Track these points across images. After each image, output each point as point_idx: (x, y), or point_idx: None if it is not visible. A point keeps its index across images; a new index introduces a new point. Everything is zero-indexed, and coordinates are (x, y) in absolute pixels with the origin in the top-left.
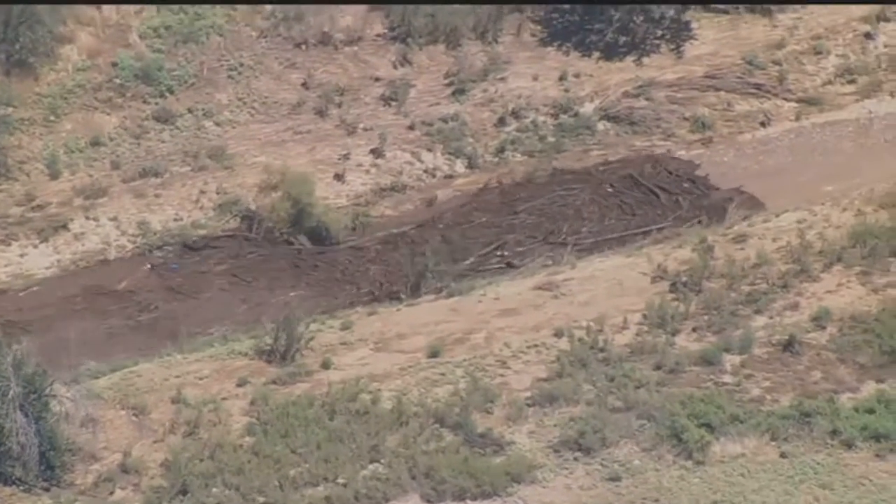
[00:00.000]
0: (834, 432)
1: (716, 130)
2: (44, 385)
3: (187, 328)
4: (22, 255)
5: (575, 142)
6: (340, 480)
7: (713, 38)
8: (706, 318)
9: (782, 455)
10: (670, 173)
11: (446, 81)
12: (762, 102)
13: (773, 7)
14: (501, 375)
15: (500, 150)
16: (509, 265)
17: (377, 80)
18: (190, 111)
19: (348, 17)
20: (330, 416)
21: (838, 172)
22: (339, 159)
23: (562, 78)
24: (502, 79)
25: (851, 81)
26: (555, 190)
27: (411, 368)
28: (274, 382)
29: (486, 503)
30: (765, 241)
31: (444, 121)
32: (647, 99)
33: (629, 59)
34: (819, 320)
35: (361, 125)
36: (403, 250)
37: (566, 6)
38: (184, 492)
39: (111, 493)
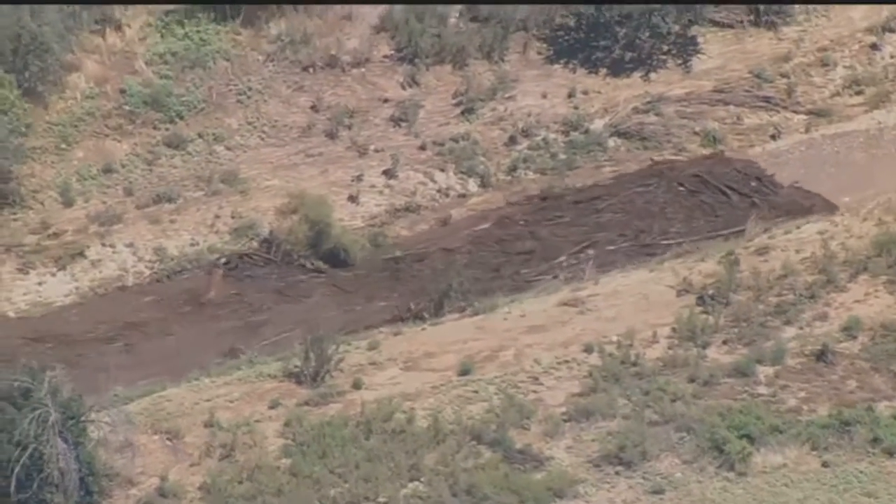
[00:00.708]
0: (875, 440)
1: (727, 144)
2: (81, 410)
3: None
4: (40, 284)
5: (586, 158)
6: (382, 499)
7: (719, 52)
8: (736, 330)
9: (824, 464)
10: (738, 172)
11: (455, 101)
12: (771, 115)
13: (778, 20)
14: (534, 392)
15: (513, 169)
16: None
17: (386, 101)
18: (200, 136)
19: (354, 39)
20: (366, 435)
21: (853, 183)
22: (353, 181)
23: (570, 95)
24: (511, 97)
25: (859, 93)
26: (629, 188)
27: (443, 387)
28: (306, 404)
29: None
30: (788, 252)
31: (455, 140)
32: (656, 114)
33: (636, 74)
34: (850, 330)
35: (372, 146)
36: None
37: (570, 24)
38: None
39: None
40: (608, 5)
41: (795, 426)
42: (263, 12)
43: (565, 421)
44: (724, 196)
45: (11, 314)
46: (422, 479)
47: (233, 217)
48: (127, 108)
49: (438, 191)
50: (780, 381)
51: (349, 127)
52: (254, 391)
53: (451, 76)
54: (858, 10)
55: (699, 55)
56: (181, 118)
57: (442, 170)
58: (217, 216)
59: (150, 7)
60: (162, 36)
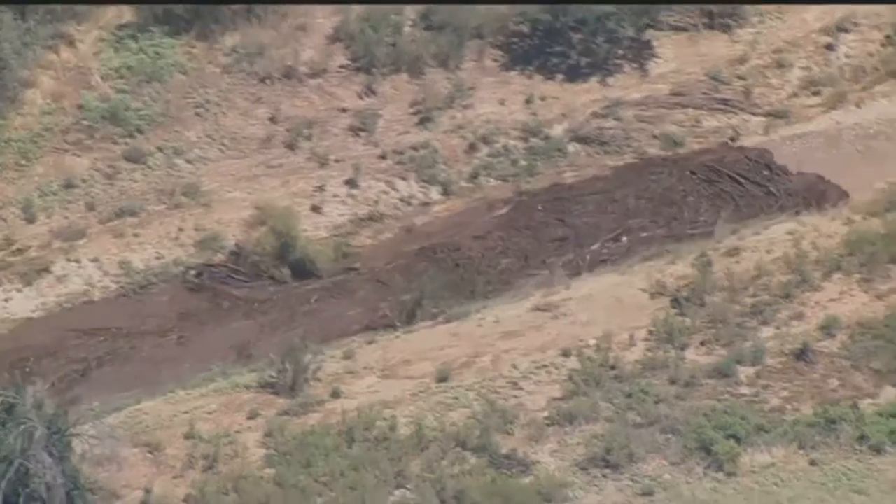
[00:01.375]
0: (861, 438)
1: (686, 147)
2: (66, 425)
3: None
4: (6, 300)
5: (547, 164)
6: None
7: (674, 55)
8: (713, 331)
9: (812, 463)
10: (749, 160)
11: (412, 110)
12: (730, 118)
13: (732, 23)
14: (515, 397)
15: (474, 176)
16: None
17: (344, 111)
18: (160, 150)
19: (309, 49)
20: (349, 444)
21: None
22: (315, 191)
23: (528, 101)
24: (468, 105)
25: (817, 93)
26: (645, 176)
27: (422, 394)
28: (286, 413)
29: None
30: (758, 253)
31: (415, 149)
32: (615, 119)
33: (593, 79)
34: (827, 329)
35: (333, 157)
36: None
37: (525, 31)
38: None
39: None
40: (563, 12)
41: (781, 425)
42: (217, 25)
43: (548, 425)
44: (739, 185)
45: None
46: (408, 487)
47: (196, 230)
48: (85, 122)
49: (401, 199)
50: (761, 381)
51: (308, 137)
52: (231, 402)
53: (407, 85)
54: (812, 12)
55: (655, 59)
56: (140, 132)
57: (403, 178)
58: (181, 229)
59: (102, 22)
60: (115, 51)
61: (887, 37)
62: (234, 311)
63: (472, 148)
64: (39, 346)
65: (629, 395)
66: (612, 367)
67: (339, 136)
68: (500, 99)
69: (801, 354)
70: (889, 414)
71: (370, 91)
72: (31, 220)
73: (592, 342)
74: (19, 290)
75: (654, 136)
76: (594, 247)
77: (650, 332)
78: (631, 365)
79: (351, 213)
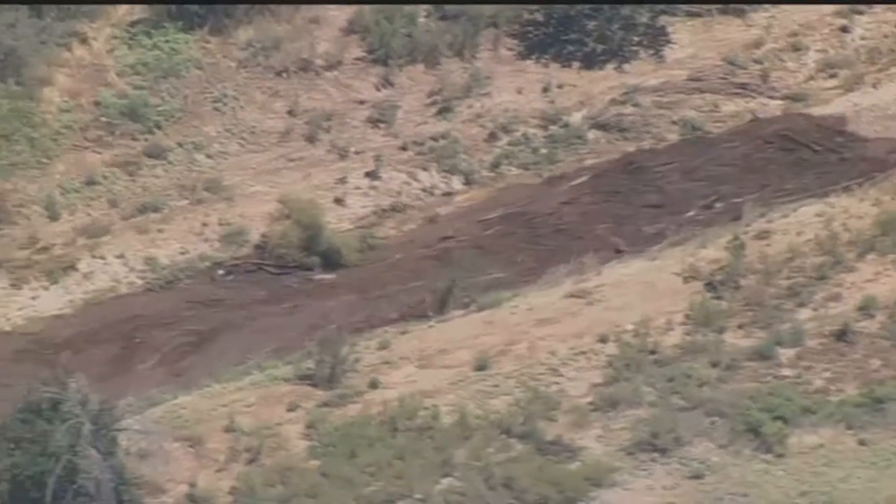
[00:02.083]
0: None
1: (706, 132)
2: (111, 420)
3: None
4: (34, 298)
5: (568, 152)
6: (418, 496)
7: (689, 41)
8: (750, 314)
9: (861, 443)
10: (819, 127)
11: (430, 100)
12: (747, 102)
13: (746, 7)
14: (556, 383)
15: (496, 165)
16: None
17: (362, 102)
18: (180, 145)
19: (324, 42)
20: (392, 434)
21: None
22: (336, 184)
23: (545, 90)
24: (486, 94)
25: (833, 76)
26: (719, 145)
27: (461, 383)
28: (325, 405)
29: None
30: (789, 235)
31: (435, 139)
32: (634, 105)
33: (609, 67)
34: (866, 309)
35: (353, 149)
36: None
37: (540, 19)
38: None
39: None
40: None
41: (827, 406)
42: (230, 20)
43: (592, 411)
44: (816, 152)
45: (8, 329)
46: (454, 475)
47: (220, 224)
48: (104, 119)
49: (423, 190)
50: (802, 363)
51: (328, 130)
52: (269, 395)
53: (424, 76)
54: None
55: (670, 45)
56: (159, 128)
57: (425, 169)
58: (205, 224)
59: (114, 19)
60: (130, 47)
61: None
62: (297, 294)
63: (492, 137)
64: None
65: (671, 380)
66: (652, 352)
67: (358, 129)
68: (517, 88)
69: (841, 335)
70: None
71: (387, 82)
72: (54, 217)
73: (630, 327)
74: (46, 288)
75: (674, 122)
76: (689, 213)
77: (687, 317)
78: (670, 349)
79: (374, 204)
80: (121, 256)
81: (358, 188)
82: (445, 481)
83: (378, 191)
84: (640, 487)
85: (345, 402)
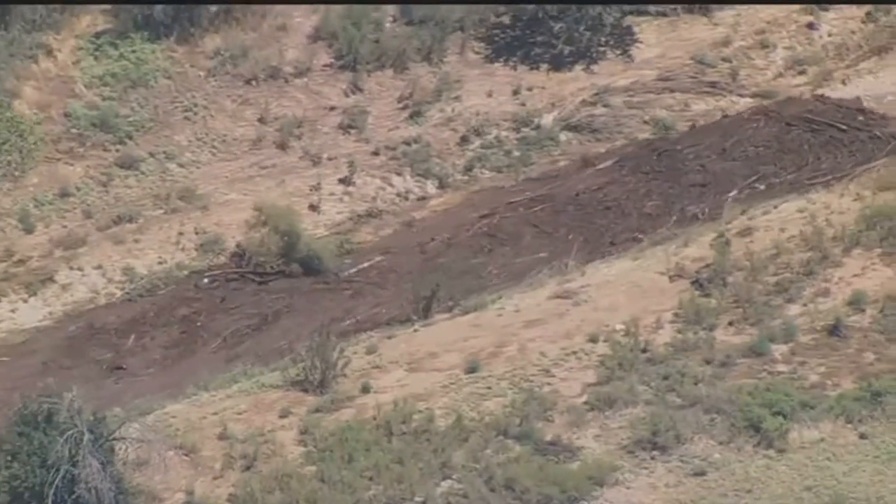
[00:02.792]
0: None
1: (678, 131)
2: (107, 429)
3: None
4: (13, 311)
5: (541, 153)
6: (419, 499)
7: (656, 40)
8: (740, 311)
9: (862, 436)
10: (839, 108)
11: (400, 105)
12: (718, 100)
13: (712, 5)
14: (549, 384)
15: (469, 168)
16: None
17: (332, 109)
18: (152, 155)
19: (292, 49)
20: (388, 437)
21: None
22: (311, 190)
23: (515, 92)
24: (456, 98)
25: (802, 72)
26: (745, 126)
27: (453, 385)
28: (318, 411)
29: None
30: (771, 232)
31: (408, 144)
32: (604, 106)
33: (578, 68)
34: (856, 304)
35: (325, 155)
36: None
37: (506, 22)
38: None
39: None
40: (546, 2)
41: (825, 401)
42: (196, 28)
43: (588, 410)
44: (843, 131)
45: None
46: (454, 477)
47: (196, 233)
48: (75, 131)
49: (398, 194)
50: (797, 358)
51: (299, 137)
52: (260, 402)
53: (393, 81)
54: None
55: (637, 45)
56: (130, 138)
57: (398, 174)
58: (181, 233)
59: (78, 31)
60: (96, 59)
61: (867, 13)
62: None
63: (464, 140)
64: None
65: (666, 378)
66: (644, 351)
67: (329, 135)
68: (487, 91)
69: (834, 330)
70: None
71: (356, 88)
72: (29, 230)
73: (619, 327)
74: (24, 301)
75: (645, 122)
76: (732, 193)
77: (676, 315)
78: (662, 348)
79: (349, 210)
80: (98, 267)
81: (332, 194)
82: (446, 483)
83: (353, 196)
84: (643, 486)
85: (337, 407)
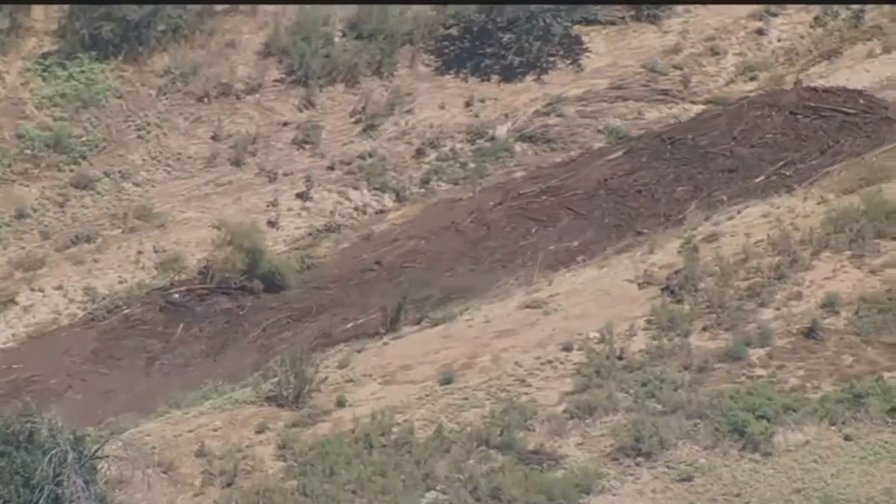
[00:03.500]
0: (892, 410)
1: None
2: (89, 448)
3: None
4: None
5: (496, 165)
6: None
7: (606, 49)
8: (713, 316)
9: (847, 438)
10: (838, 95)
11: (353, 119)
12: (670, 108)
13: (661, 13)
14: (526, 393)
15: (426, 181)
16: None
17: (285, 124)
18: (107, 175)
19: (242, 66)
20: (368, 450)
21: None
22: (268, 206)
23: (468, 104)
24: (409, 111)
25: (753, 78)
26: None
27: (429, 397)
28: (295, 425)
29: None
30: (737, 237)
31: (363, 157)
32: (558, 116)
33: (529, 78)
34: (830, 306)
35: (281, 170)
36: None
37: (455, 34)
38: None
39: None
40: (495, 11)
41: (808, 403)
42: (144, 47)
43: (568, 419)
44: (852, 116)
45: None
46: (438, 488)
47: (155, 252)
48: (28, 152)
49: (356, 209)
50: (774, 362)
51: (254, 153)
52: (235, 418)
53: (344, 95)
54: None
55: (587, 54)
56: (84, 158)
57: (355, 188)
58: (140, 252)
59: (24, 52)
60: (44, 79)
61: (816, 18)
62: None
63: (419, 153)
64: None
65: (645, 384)
66: (620, 358)
67: (283, 150)
68: (439, 103)
69: (810, 333)
70: None
71: (309, 103)
72: None
73: (594, 335)
74: None
75: (599, 131)
76: (759, 179)
77: (649, 322)
78: (638, 354)
79: (307, 225)
80: (59, 288)
81: (290, 210)
82: (430, 495)
83: (311, 212)
84: (630, 492)
85: (314, 421)
